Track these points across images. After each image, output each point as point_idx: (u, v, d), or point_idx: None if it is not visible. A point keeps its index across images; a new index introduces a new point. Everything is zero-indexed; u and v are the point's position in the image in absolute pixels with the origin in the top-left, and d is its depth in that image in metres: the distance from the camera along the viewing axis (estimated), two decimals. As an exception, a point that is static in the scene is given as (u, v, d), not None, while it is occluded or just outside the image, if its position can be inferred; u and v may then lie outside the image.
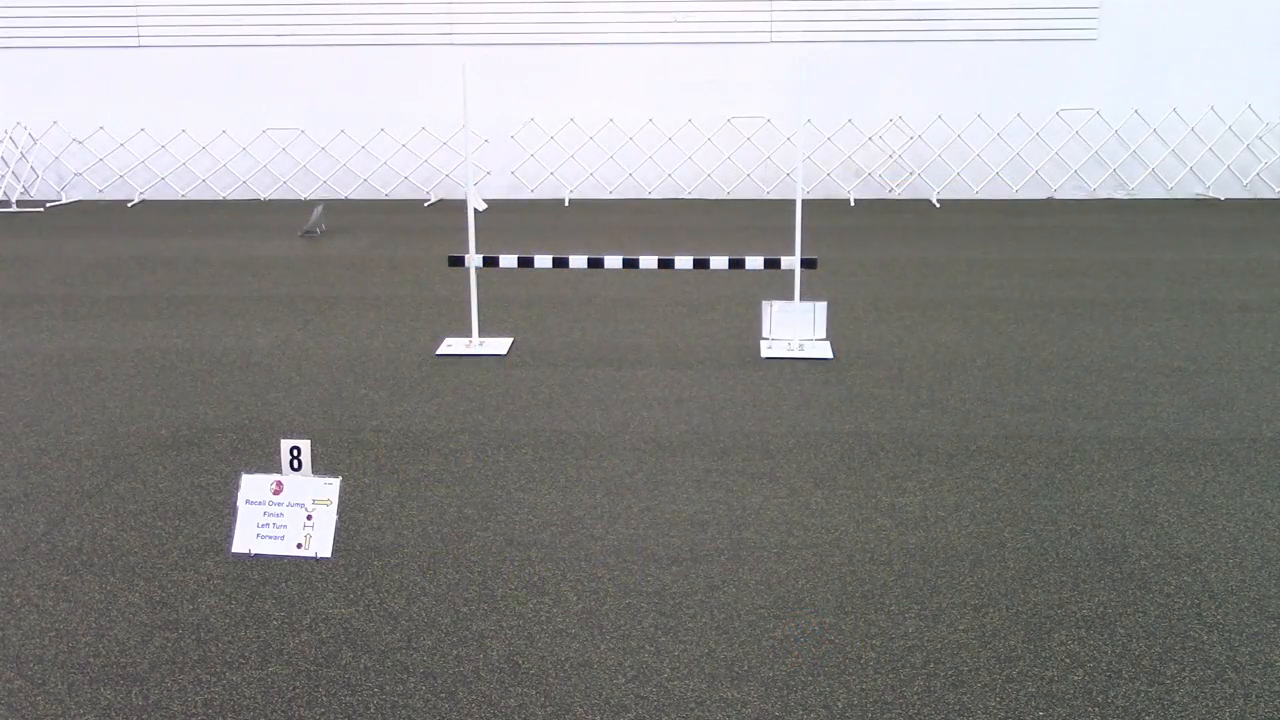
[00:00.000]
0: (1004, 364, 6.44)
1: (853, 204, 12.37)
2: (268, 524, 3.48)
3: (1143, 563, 4.05)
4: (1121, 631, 3.59)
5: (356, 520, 4.41)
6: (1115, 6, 12.62)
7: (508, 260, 7.02)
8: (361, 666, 3.43)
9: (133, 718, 3.19)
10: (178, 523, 4.44)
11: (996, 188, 12.87)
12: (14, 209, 12.51)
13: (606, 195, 13.02)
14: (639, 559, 4.08)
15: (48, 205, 12.83)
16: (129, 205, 12.89)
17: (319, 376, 6.31)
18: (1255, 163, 12.78)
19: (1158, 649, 3.49)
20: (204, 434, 5.42)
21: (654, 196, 13.05)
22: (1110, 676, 3.35)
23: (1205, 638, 3.55)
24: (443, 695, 3.28)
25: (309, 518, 3.47)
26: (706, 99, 12.88)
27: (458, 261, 6.98)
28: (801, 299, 6.77)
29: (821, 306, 6.71)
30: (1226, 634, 3.57)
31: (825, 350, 6.62)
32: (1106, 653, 3.47)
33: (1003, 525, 4.36)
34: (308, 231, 10.74)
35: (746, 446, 5.19)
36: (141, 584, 3.95)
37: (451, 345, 6.84)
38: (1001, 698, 3.25)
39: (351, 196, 13.14)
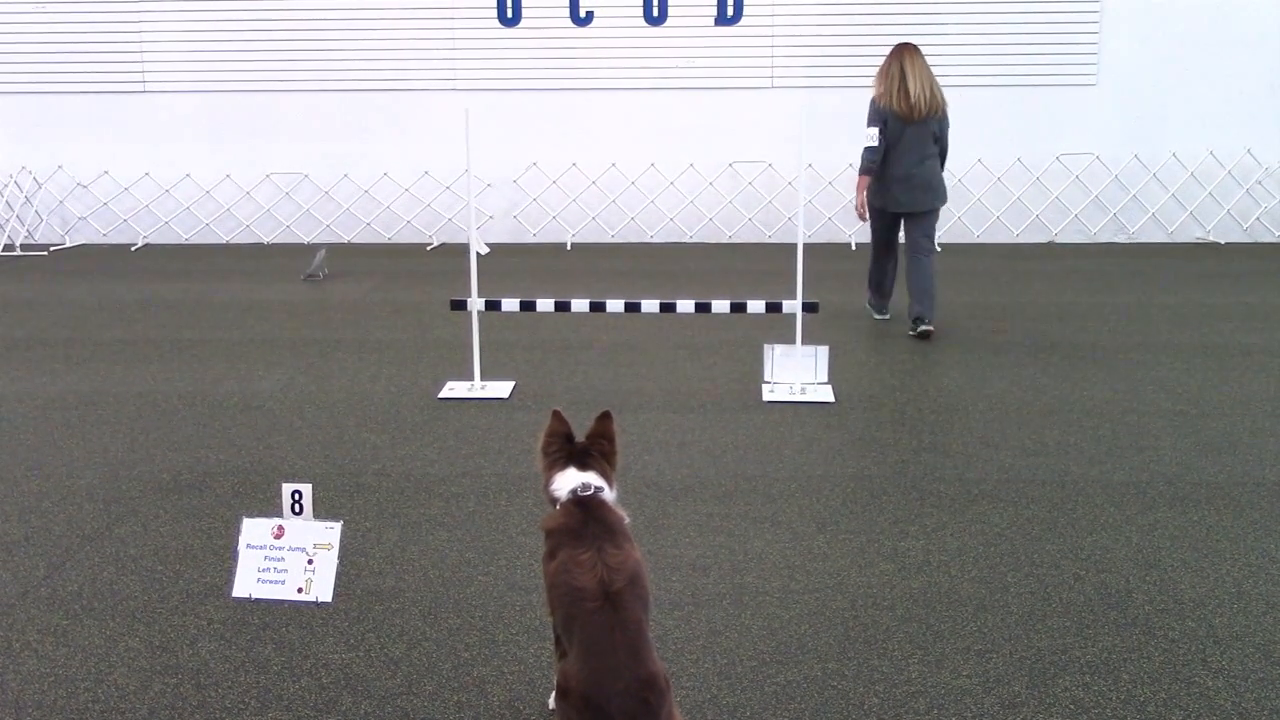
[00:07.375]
0: (1006, 408, 6.43)
1: (854, 248, 12.41)
2: (268, 568, 3.47)
3: (1147, 608, 4.03)
4: (1126, 677, 3.57)
5: (358, 565, 4.40)
6: (1114, 52, 12.72)
7: (510, 304, 7.04)
8: (362, 712, 3.41)
9: (131, 764, 3.16)
10: (178, 567, 4.43)
11: (997, 232, 12.91)
12: (18, 253, 12.56)
13: (608, 239, 13.07)
14: (641, 604, 4.06)
15: (51, 249, 12.88)
16: (132, 249, 12.94)
17: (321, 420, 6.31)
18: (1255, 207, 12.83)
19: (1163, 695, 3.47)
20: (205, 478, 5.41)
21: (656, 240, 13.11)
22: (1116, 723, 3.32)
23: (1210, 683, 3.53)
24: (443, 742, 3.26)
25: (310, 562, 3.46)
26: (708, 143, 12.95)
27: (460, 305, 7.00)
28: (803, 343, 6.79)
29: (823, 350, 6.72)
30: (1232, 680, 3.55)
31: (827, 394, 6.62)
32: (1111, 699, 3.45)
33: (1005, 570, 4.35)
34: (310, 275, 10.78)
35: (748, 490, 5.18)
36: (141, 629, 3.93)
37: (454, 389, 6.84)
38: (1006, 745, 3.22)
39: (354, 240, 13.19)
